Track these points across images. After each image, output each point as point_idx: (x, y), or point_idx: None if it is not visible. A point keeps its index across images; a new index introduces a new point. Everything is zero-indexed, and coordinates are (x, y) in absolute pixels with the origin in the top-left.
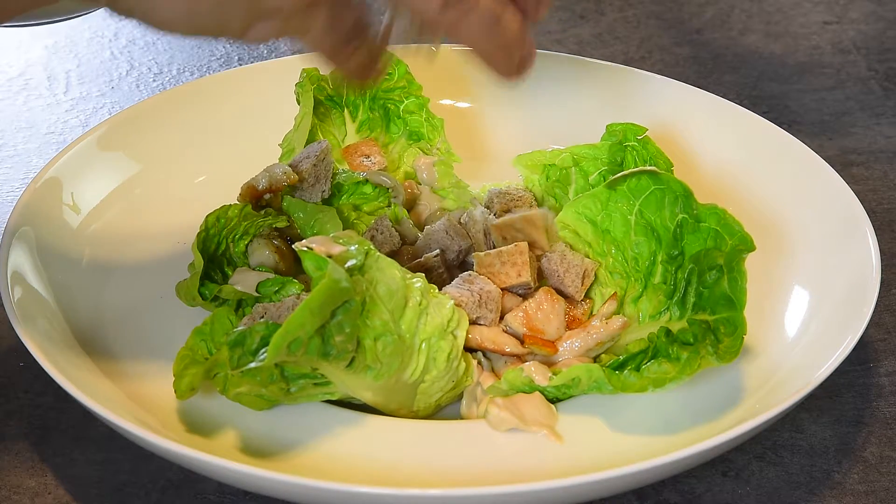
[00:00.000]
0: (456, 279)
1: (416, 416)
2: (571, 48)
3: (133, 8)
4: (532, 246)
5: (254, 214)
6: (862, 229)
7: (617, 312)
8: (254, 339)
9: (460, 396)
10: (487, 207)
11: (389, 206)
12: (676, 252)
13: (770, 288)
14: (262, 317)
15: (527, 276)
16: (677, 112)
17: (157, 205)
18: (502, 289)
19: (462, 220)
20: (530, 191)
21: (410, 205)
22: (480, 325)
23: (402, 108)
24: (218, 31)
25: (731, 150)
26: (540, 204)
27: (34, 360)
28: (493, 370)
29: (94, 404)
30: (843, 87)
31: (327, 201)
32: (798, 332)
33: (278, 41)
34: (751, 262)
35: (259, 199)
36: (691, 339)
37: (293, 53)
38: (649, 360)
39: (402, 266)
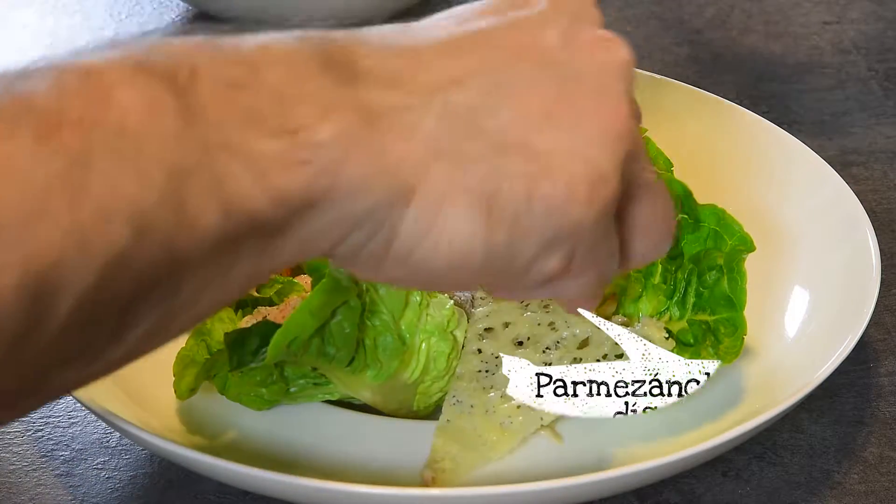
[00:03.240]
0: None
1: (415, 416)
2: None
3: (413, 248)
4: None
5: None
6: (862, 229)
7: (616, 312)
8: (254, 339)
9: None
10: None
11: None
12: (676, 252)
13: (770, 288)
14: (264, 317)
15: None
16: (677, 112)
17: None
18: None
19: None
20: None
21: None
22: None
23: None
24: (505, 266)
25: (731, 150)
26: None
27: None
28: None
29: (93, 404)
30: (843, 87)
31: None
32: (798, 332)
33: (555, 285)
34: (751, 262)
35: None
36: (691, 340)
37: None
38: None
39: None
